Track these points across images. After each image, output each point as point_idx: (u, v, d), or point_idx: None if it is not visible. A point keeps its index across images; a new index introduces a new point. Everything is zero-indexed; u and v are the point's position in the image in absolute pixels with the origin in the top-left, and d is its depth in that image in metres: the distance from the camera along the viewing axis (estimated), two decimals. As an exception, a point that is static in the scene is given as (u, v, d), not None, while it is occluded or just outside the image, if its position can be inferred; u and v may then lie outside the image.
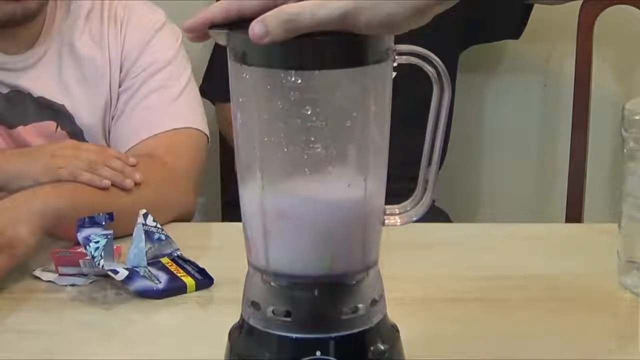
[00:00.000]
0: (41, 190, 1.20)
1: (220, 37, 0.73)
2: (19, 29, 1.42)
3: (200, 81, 2.01)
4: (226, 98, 0.76)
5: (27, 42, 1.45)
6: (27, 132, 1.44)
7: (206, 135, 1.49)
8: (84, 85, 1.47)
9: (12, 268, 1.09)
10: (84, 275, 1.09)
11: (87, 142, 1.44)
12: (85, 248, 1.05)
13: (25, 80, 1.44)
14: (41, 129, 1.44)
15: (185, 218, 1.36)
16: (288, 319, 0.75)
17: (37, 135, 1.44)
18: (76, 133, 1.45)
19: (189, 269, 1.10)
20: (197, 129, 1.48)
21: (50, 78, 1.45)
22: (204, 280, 1.08)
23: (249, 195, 0.76)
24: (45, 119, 1.44)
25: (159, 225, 1.13)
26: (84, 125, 1.46)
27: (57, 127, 1.45)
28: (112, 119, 1.48)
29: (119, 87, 1.48)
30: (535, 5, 1.93)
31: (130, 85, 1.48)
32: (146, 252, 1.10)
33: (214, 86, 1.95)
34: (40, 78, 1.45)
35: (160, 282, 1.07)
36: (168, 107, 1.47)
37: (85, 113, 1.46)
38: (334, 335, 0.75)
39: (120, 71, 1.48)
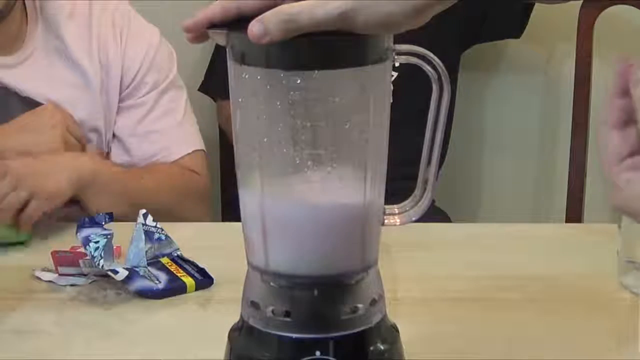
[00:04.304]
0: (82, 154, 1.39)
1: (220, 37, 0.73)
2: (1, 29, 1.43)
3: (202, 78, 2.02)
4: (228, 95, 0.76)
5: (12, 41, 1.46)
6: None
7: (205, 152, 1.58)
8: (71, 84, 1.48)
9: (45, 213, 1.25)
10: (84, 275, 1.09)
11: None
12: (85, 248, 1.05)
13: (12, 79, 1.45)
14: None
15: None
16: (288, 319, 0.75)
17: None
18: None
19: (189, 269, 1.10)
20: (202, 150, 1.55)
21: (36, 78, 1.46)
22: (204, 280, 1.08)
23: (249, 195, 0.76)
24: None
25: (158, 225, 1.13)
26: None
27: None
28: (115, 123, 1.50)
29: (120, 92, 1.50)
30: (536, 6, 1.94)
31: (141, 103, 1.52)
32: (146, 252, 1.10)
33: (215, 83, 1.96)
34: (26, 77, 1.46)
35: (160, 282, 1.07)
36: (177, 131, 1.53)
37: (72, 112, 1.47)
38: (333, 335, 0.75)
39: (122, 78, 1.50)
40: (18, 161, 1.28)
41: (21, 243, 1.22)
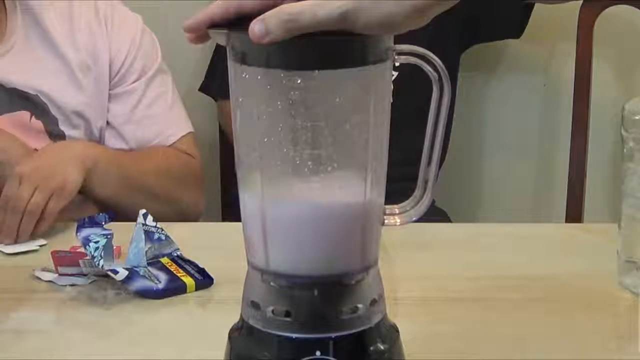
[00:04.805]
0: (76, 142, 1.39)
1: (220, 37, 0.73)
2: None
3: (202, 78, 2.03)
4: (228, 95, 0.76)
5: None
6: (1, 123, 1.44)
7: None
8: (56, 73, 1.48)
9: (60, 209, 1.25)
10: (83, 275, 1.09)
11: (63, 131, 1.48)
12: (85, 248, 1.05)
13: None
14: (15, 119, 1.45)
15: (193, 218, 1.41)
16: (288, 319, 0.75)
17: (11, 126, 1.44)
18: (51, 122, 1.47)
19: (189, 269, 1.10)
20: (193, 132, 1.58)
21: (21, 69, 1.47)
22: (204, 280, 1.08)
23: (249, 195, 0.76)
24: (19, 109, 1.45)
25: (158, 225, 1.13)
26: (60, 113, 1.47)
27: (31, 117, 1.47)
28: (108, 111, 1.51)
29: (110, 79, 1.52)
30: (536, 5, 1.94)
31: (132, 90, 1.53)
32: (146, 252, 1.10)
33: (216, 83, 1.96)
34: (10, 69, 1.46)
35: (160, 282, 1.07)
36: (169, 115, 1.55)
37: (60, 101, 1.47)
38: (333, 335, 0.75)
39: (110, 66, 1.51)
40: (24, 163, 1.29)
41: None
